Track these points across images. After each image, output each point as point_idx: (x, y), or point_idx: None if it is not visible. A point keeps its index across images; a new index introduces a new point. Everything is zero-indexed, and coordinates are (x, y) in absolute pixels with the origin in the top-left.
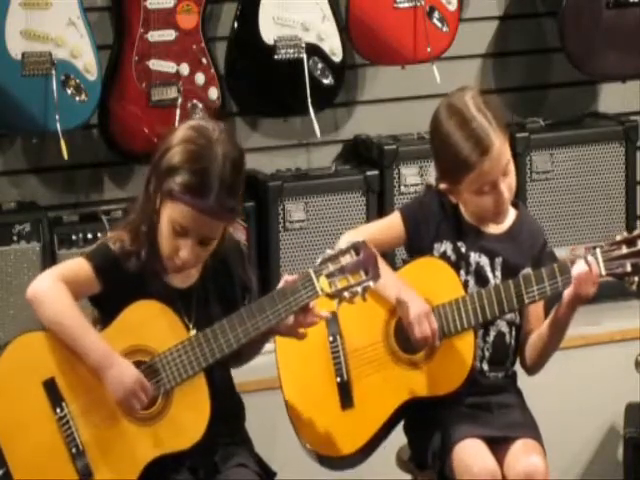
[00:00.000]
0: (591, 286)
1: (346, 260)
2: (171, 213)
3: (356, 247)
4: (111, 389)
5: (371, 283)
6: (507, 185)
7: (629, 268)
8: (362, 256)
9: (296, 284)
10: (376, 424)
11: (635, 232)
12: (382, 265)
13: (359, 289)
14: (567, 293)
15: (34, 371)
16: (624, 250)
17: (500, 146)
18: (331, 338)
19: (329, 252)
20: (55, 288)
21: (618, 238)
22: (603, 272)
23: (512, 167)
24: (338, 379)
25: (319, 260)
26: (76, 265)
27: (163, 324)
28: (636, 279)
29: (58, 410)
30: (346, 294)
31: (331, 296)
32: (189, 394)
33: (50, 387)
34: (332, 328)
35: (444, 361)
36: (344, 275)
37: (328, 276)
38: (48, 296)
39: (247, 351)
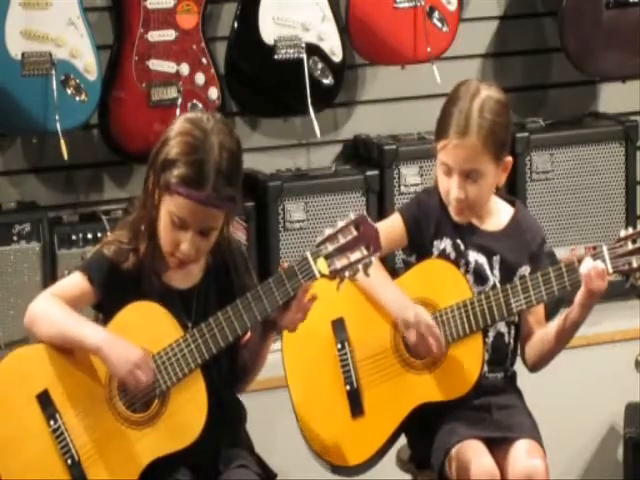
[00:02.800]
0: (601, 281)
1: (346, 237)
2: (169, 206)
3: (356, 222)
4: (115, 366)
5: (372, 258)
6: (464, 188)
7: (635, 264)
8: (362, 231)
9: (293, 269)
10: (388, 431)
11: None
12: (384, 281)
13: (359, 266)
14: (579, 293)
15: (27, 385)
16: (630, 246)
17: (475, 148)
18: (339, 345)
19: (328, 231)
20: (48, 302)
21: (623, 234)
22: (610, 270)
23: (484, 182)
24: (347, 387)
25: (318, 241)
26: (71, 281)
27: (158, 325)
28: None
29: (52, 422)
30: (346, 273)
31: (330, 277)
32: (186, 393)
33: (43, 400)
34: (340, 335)
35: (454, 365)
36: (344, 254)
37: (327, 257)
38: (41, 310)
39: (249, 360)
